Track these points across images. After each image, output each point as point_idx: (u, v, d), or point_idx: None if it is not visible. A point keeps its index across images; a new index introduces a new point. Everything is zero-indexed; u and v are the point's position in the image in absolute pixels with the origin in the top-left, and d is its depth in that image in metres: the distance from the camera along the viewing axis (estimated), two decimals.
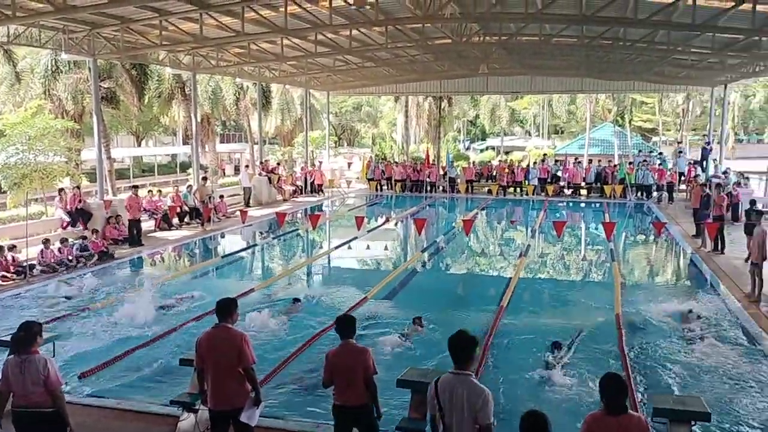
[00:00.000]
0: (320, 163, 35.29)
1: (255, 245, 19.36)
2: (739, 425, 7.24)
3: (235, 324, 5.95)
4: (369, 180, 33.53)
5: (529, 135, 68.75)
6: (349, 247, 18.58)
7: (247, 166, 34.13)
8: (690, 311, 11.39)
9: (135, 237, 17.86)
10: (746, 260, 13.72)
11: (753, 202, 17.85)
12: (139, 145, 51.57)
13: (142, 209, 19.16)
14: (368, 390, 5.81)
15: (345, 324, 5.97)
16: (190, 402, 6.76)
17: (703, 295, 12.62)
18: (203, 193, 21.96)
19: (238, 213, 21.94)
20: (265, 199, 28.24)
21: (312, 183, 31.97)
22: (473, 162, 37.03)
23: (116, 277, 14.35)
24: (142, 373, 8.75)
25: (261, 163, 30.59)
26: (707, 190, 18.78)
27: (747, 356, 9.46)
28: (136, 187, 19.91)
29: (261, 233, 21.40)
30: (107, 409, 7.60)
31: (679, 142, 43.90)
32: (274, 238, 20.20)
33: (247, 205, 27.03)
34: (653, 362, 9.22)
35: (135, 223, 17.96)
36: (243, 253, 17.70)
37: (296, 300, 12.04)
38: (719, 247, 16.50)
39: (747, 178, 26.48)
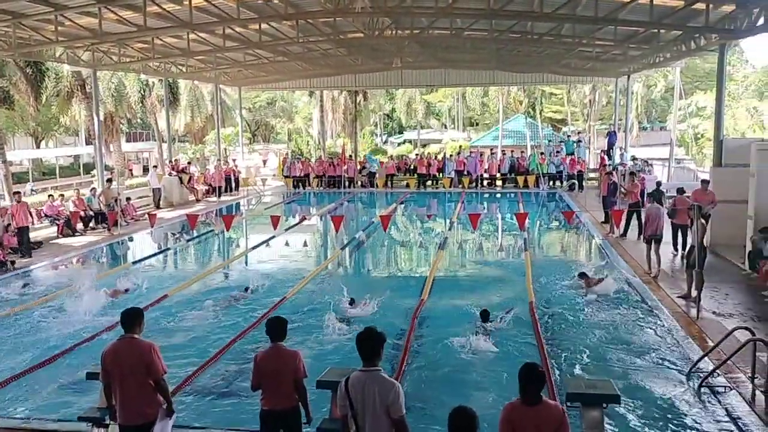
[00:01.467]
0: (234, 160, 34.63)
1: (167, 249, 18.81)
2: (646, 402, 7.66)
3: (142, 334, 5.79)
4: (285, 177, 33.23)
5: (445, 127, 69.90)
6: (267, 246, 18.36)
7: (155, 166, 33.18)
8: (582, 274, 12.88)
9: (25, 246, 16.85)
10: (639, 237, 14.75)
11: (659, 184, 19.02)
12: (39, 147, 49.09)
13: (29, 216, 17.96)
14: (298, 394, 5.76)
15: (275, 326, 5.88)
16: (100, 417, 6.50)
17: (611, 275, 13.23)
18: (108, 195, 21.14)
19: (147, 216, 21.21)
20: (176, 200, 27.49)
21: (228, 182, 31.32)
22: (391, 156, 37.35)
23: (13, 288, 13.59)
24: (53, 388, 8.39)
25: (170, 162, 29.75)
26: (613, 178, 19.72)
27: (647, 326, 10.32)
28: (17, 193, 18.69)
29: (172, 236, 20.82)
30: (13, 431, 7.23)
31: (579, 132, 45.83)
32: (188, 241, 19.69)
33: (157, 207, 26.27)
34: (567, 343, 9.66)
35: (24, 231, 16.96)
36: (153, 259, 17.14)
37: (246, 289, 12.72)
38: (628, 233, 17.45)
39: (651, 165, 28.02)
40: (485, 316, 10.51)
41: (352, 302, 11.60)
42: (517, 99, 51.58)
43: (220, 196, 29.46)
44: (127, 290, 13.04)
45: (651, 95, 52.40)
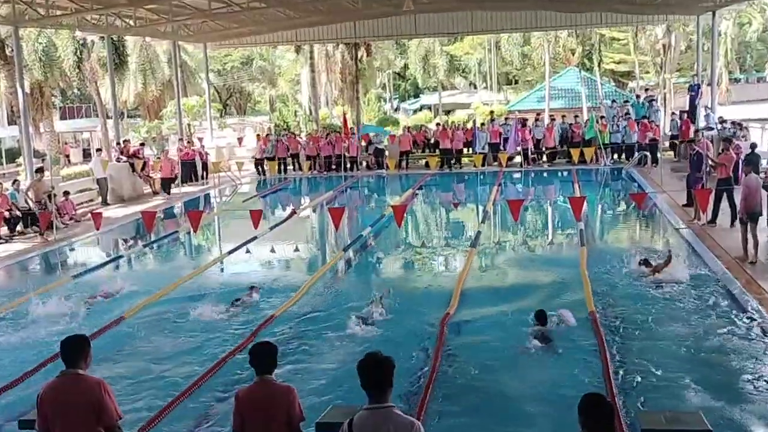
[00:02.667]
0: (201, 140, 34.80)
1: (118, 257, 18.91)
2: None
3: (89, 369, 5.87)
4: (268, 159, 33.34)
5: (475, 88, 69.89)
6: (247, 252, 18.45)
7: (99, 150, 33.31)
8: (644, 261, 13.73)
9: None
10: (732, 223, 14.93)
11: (754, 146, 19.04)
12: None
13: None
14: None
15: (260, 355, 5.89)
16: None
17: (700, 282, 13.23)
18: (39, 190, 21.31)
19: (90, 215, 21.32)
20: (127, 194, 27.70)
21: (193, 168, 31.45)
22: (406, 127, 37.36)
23: None
24: None
25: (119, 144, 29.90)
26: (696, 147, 19.63)
27: (746, 335, 10.46)
28: None
29: (124, 241, 20.92)
30: None
31: (647, 89, 45.62)
32: (145, 246, 19.81)
33: (104, 203, 26.43)
34: (638, 360, 9.73)
35: None
36: (100, 271, 17.26)
37: (252, 287, 13.61)
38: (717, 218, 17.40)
39: (746, 128, 27.76)
40: (542, 317, 10.97)
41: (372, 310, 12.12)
42: (568, 47, 51.40)
43: (170, 186, 29.41)
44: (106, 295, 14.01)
45: (744, 36, 52.09)
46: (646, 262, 14.05)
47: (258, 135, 35.86)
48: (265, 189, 30.61)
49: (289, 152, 33.54)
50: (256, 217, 17.09)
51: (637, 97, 34.36)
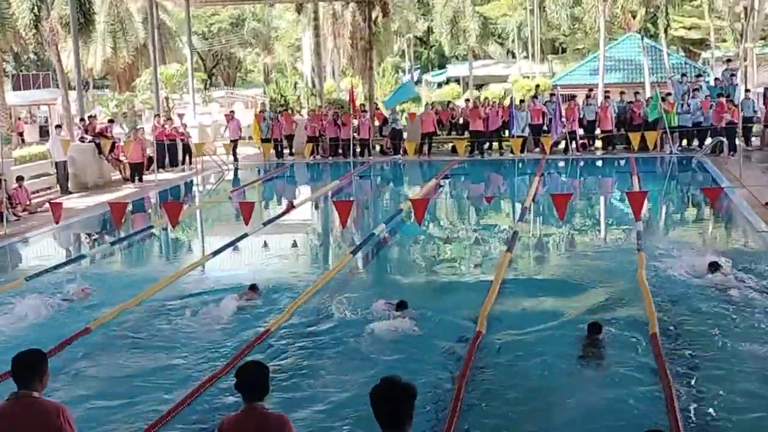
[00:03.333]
0: (181, 116, 34.92)
1: (80, 257, 18.97)
2: None
3: (45, 391, 5.93)
4: (263, 141, 33.44)
5: (513, 57, 69.73)
6: (235, 251, 18.50)
7: (59, 126, 33.46)
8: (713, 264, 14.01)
9: None
10: None
11: None
12: None
13: None
14: None
15: (249, 378, 5.92)
16: None
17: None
18: None
19: (48, 206, 21.46)
20: (92, 180, 27.93)
21: (171, 151, 31.63)
22: (431, 104, 37.29)
23: None
24: None
25: (83, 120, 30.03)
26: None
27: None
28: None
29: (88, 237, 20.97)
30: None
31: (729, 60, 45.31)
32: (113, 244, 19.87)
33: (64, 191, 26.56)
34: (709, 391, 9.74)
35: None
36: (58, 272, 17.35)
37: (253, 287, 14.30)
38: None
39: None
40: (596, 329, 11.47)
41: (401, 306, 12.88)
42: (628, 9, 51.16)
43: (140, 173, 29.47)
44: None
45: None
46: (715, 266, 14.13)
47: (260, 111, 36.04)
48: (259, 176, 30.69)
49: (285, 133, 33.70)
50: (247, 210, 17.13)
51: (710, 69, 34.23)
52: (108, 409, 9.94)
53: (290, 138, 33.99)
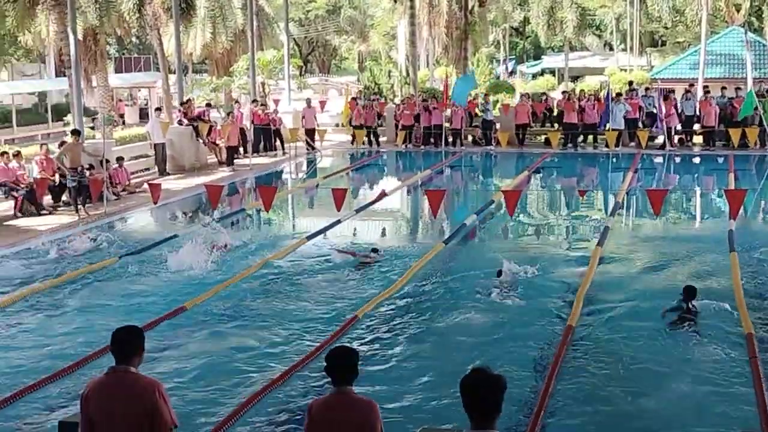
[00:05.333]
0: (276, 102, 35.31)
1: (173, 237, 19.34)
2: None
3: (141, 366, 6.07)
4: (354, 128, 33.63)
5: (611, 49, 68.66)
6: (325, 238, 18.68)
7: (159, 110, 34.14)
8: None
9: None
10: None
11: None
12: None
13: None
14: None
15: (339, 362, 5.98)
16: None
17: None
18: (77, 155, 21.80)
19: (147, 186, 21.92)
20: (189, 162, 28.44)
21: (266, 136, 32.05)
22: (527, 94, 36.98)
23: None
24: None
25: (181, 104, 30.58)
26: None
27: None
28: None
29: (184, 217, 21.45)
30: None
31: None
32: (204, 226, 20.22)
33: (162, 172, 27.12)
34: None
35: None
36: (154, 251, 17.75)
37: (375, 250, 16.14)
38: None
39: None
40: (692, 293, 12.44)
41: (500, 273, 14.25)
42: (732, 2, 50.03)
43: (233, 157, 29.97)
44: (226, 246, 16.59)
45: None
46: None
47: (354, 98, 36.27)
48: (351, 163, 30.91)
49: (379, 120, 33.92)
50: (339, 197, 17.30)
51: None
52: (202, 389, 10.26)
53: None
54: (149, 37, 43.02)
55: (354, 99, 36.37)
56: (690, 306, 12.38)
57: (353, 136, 33.17)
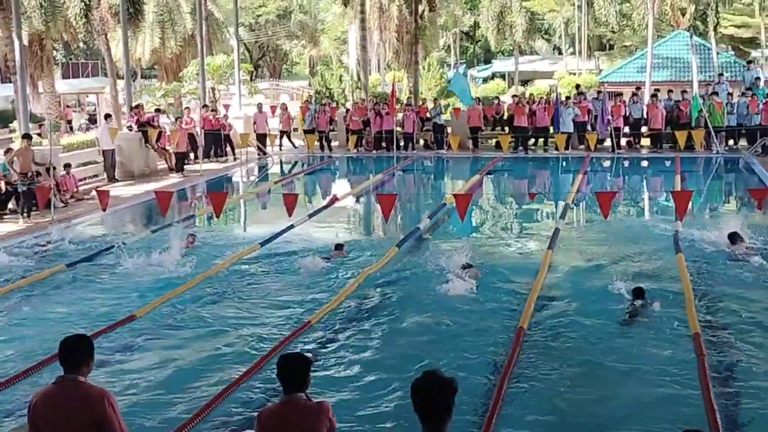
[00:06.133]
0: (227, 107, 35.17)
1: (122, 245, 19.07)
2: None
3: (90, 375, 6.05)
4: (306, 132, 33.59)
5: (560, 53, 69.33)
6: (277, 243, 18.59)
7: (108, 116, 33.77)
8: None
9: None
10: None
11: None
12: None
13: None
14: None
15: (290, 369, 6.01)
16: None
17: None
18: (27, 160, 21.54)
19: (95, 193, 21.64)
20: (138, 169, 28.25)
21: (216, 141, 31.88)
22: (477, 98, 37.19)
23: None
24: None
25: (131, 109, 30.34)
26: None
27: None
28: None
29: (133, 225, 21.23)
30: None
31: None
32: (153, 232, 20.03)
33: (111, 179, 26.87)
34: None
35: None
36: (103, 259, 17.54)
37: (339, 246, 16.55)
38: None
39: None
40: (640, 293, 12.98)
41: (466, 266, 14.67)
42: (678, 6, 50.66)
43: (183, 163, 29.72)
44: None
45: None
46: (734, 238, 15.48)
47: (305, 103, 36.23)
48: (302, 168, 30.88)
49: (331, 126, 33.92)
50: (291, 202, 17.25)
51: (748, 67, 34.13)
52: (152, 398, 10.18)
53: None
54: (97, 42, 42.77)
55: (306, 103, 36.30)
56: (639, 305, 12.78)
57: (306, 141, 33.20)
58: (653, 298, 13.11)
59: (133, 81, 42.61)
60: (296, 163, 33.40)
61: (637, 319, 12.52)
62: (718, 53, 48.56)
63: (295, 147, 33.48)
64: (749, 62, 36.79)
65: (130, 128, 28.65)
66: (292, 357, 6.20)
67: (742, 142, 30.57)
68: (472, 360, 11.12)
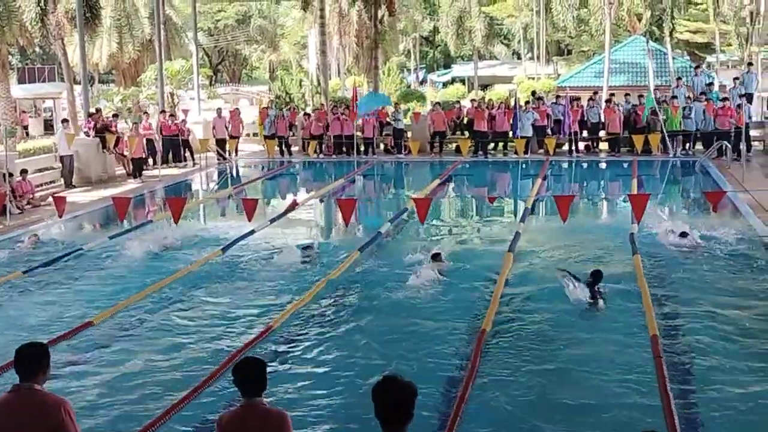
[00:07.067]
0: (185, 112, 34.98)
1: (78, 251, 18.90)
2: None
3: (46, 383, 6.02)
4: (266, 138, 33.49)
5: (519, 58, 69.76)
6: (238, 249, 18.50)
7: (66, 121, 33.48)
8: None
9: None
10: None
11: None
12: None
13: None
14: None
15: (248, 374, 6.02)
16: None
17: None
18: None
19: (52, 199, 21.43)
20: (96, 174, 28.03)
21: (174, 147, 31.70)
22: (438, 103, 37.27)
23: None
24: None
25: (89, 114, 30.07)
26: None
27: None
28: None
29: (91, 231, 21.00)
30: None
31: (749, 64, 45.20)
32: (111, 238, 19.84)
33: (68, 185, 26.61)
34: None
35: None
36: (60, 265, 17.36)
37: (307, 247, 16.85)
38: None
39: None
40: (598, 277, 13.72)
41: (436, 257, 15.54)
42: (634, 11, 51.17)
43: (141, 168, 29.46)
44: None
45: None
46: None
47: (264, 108, 36.07)
48: (261, 173, 30.78)
49: (290, 131, 33.88)
50: (250, 208, 17.17)
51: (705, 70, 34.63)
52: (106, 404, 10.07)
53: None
54: (53, 46, 42.25)
55: (266, 108, 36.20)
56: (597, 290, 13.49)
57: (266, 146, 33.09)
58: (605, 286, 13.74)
59: (91, 86, 42.31)
60: (257, 167, 33.25)
61: (598, 310, 13.15)
62: (674, 58, 49.19)
63: (225, 159, 32.78)
64: (696, 67, 37.33)
65: (87, 134, 28.39)
66: (247, 361, 6.24)
67: (698, 146, 30.84)
68: (435, 362, 11.20)
